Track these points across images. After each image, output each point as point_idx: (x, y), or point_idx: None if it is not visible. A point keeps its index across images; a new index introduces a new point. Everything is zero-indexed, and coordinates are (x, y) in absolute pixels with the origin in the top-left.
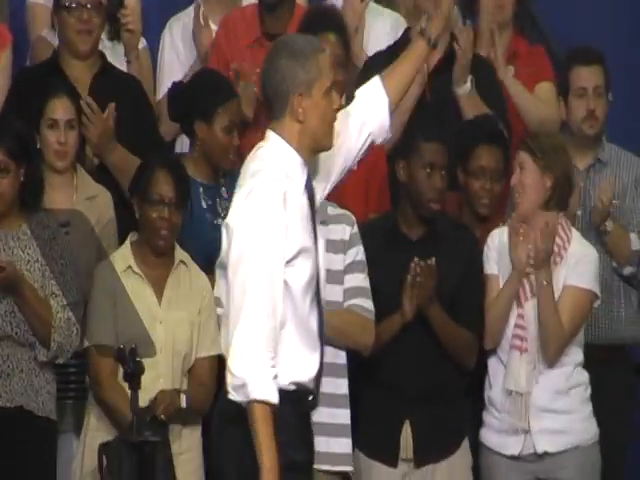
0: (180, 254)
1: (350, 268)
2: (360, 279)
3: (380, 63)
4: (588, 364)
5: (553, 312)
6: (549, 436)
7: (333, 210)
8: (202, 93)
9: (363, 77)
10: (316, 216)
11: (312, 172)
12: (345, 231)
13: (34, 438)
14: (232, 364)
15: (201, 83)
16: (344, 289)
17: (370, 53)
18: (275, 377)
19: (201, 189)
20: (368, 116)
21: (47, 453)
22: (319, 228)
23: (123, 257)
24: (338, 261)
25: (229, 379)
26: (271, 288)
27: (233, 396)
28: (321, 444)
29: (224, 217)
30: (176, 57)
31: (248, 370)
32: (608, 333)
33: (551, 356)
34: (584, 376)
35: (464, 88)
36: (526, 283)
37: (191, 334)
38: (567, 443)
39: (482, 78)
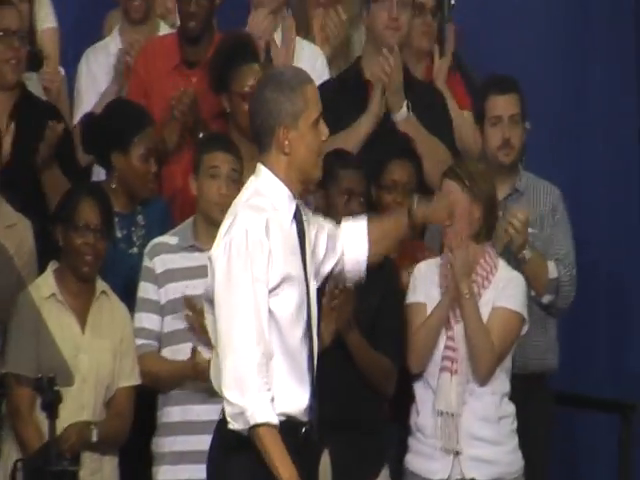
0: (101, 284)
1: None
2: None
3: (327, 95)
4: (510, 393)
5: (479, 326)
6: (478, 464)
7: None
8: (117, 124)
9: None
10: (308, 247)
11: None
12: None
13: None
14: (227, 393)
15: (115, 114)
16: None
17: None
18: (272, 399)
19: (117, 219)
20: (346, 256)
21: None
22: (310, 261)
23: (47, 284)
24: None
25: (227, 409)
26: (257, 315)
27: (233, 425)
28: None
29: (139, 246)
30: (92, 86)
31: (244, 397)
32: (527, 363)
33: (483, 373)
34: (511, 408)
35: (401, 114)
36: (456, 306)
37: (114, 364)
38: (493, 474)
39: (425, 102)
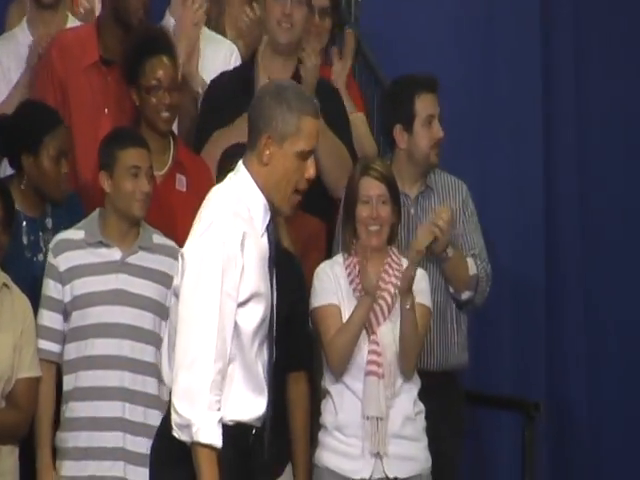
0: (2, 276)
1: None
2: None
3: (225, 85)
4: (421, 391)
5: (415, 331)
6: (399, 462)
7: (158, 239)
8: (26, 125)
9: (208, 102)
10: (272, 261)
11: None
12: (173, 266)
13: None
14: (177, 403)
15: (24, 115)
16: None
17: (207, 79)
18: (220, 420)
19: (24, 223)
20: None
21: None
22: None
23: None
24: (165, 297)
25: (174, 417)
26: (222, 328)
27: (177, 434)
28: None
29: (45, 252)
30: (2, 77)
31: (193, 412)
32: (441, 360)
33: (411, 370)
34: (422, 404)
35: None
36: (377, 309)
37: (13, 357)
38: (413, 470)
39: (328, 104)
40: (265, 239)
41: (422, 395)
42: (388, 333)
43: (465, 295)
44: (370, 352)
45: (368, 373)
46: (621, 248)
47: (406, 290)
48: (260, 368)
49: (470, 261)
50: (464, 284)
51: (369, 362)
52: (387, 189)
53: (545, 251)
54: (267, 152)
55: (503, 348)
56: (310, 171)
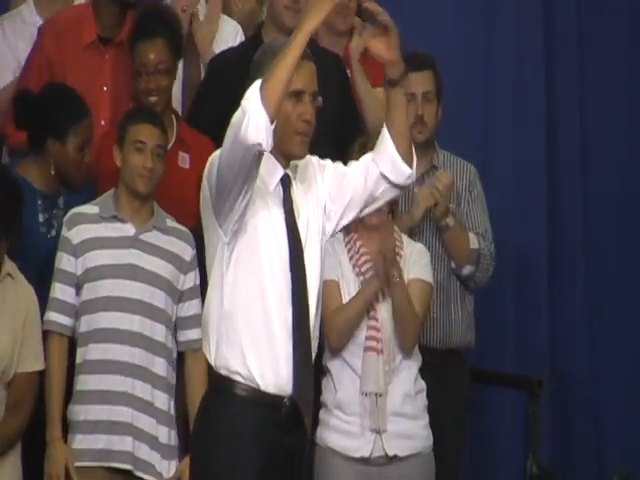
0: (7, 267)
1: (191, 294)
2: (199, 306)
3: (230, 59)
4: (424, 367)
5: (408, 304)
6: (399, 440)
7: (171, 223)
8: (55, 111)
9: (212, 73)
10: (291, 215)
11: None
12: (186, 252)
13: None
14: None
15: (53, 100)
16: (185, 316)
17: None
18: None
19: (40, 201)
20: (375, 157)
21: None
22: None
23: None
24: (177, 278)
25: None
26: None
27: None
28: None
29: (58, 228)
30: (10, 54)
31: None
32: (445, 337)
33: (410, 346)
34: (423, 383)
35: None
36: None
37: (13, 347)
38: (413, 448)
39: (331, 75)
40: (279, 192)
41: (426, 372)
42: (388, 309)
43: (466, 270)
44: (369, 328)
45: (367, 349)
46: (622, 229)
47: (390, 261)
48: (277, 329)
49: (472, 236)
50: (465, 257)
51: (368, 338)
52: None
53: (547, 232)
54: None
55: (507, 326)
56: (305, 112)
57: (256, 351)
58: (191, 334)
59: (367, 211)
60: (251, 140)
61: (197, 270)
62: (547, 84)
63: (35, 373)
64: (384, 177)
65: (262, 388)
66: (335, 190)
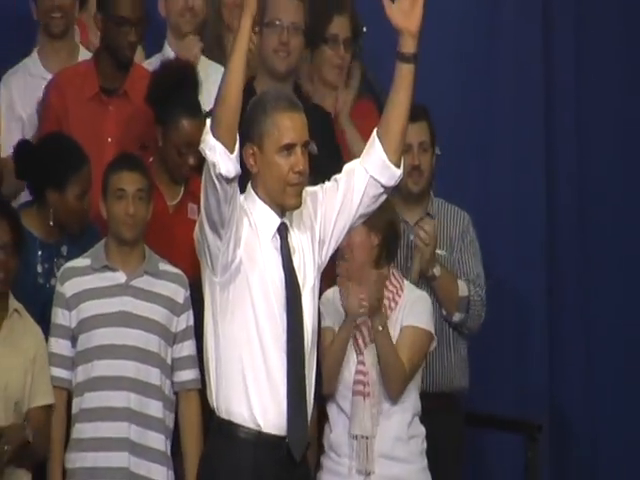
0: (14, 303)
1: (184, 335)
2: (192, 347)
3: None
4: (422, 412)
5: (392, 353)
6: None
7: (164, 266)
8: (54, 161)
9: None
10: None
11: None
12: (179, 294)
13: None
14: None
15: (52, 150)
16: (178, 357)
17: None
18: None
19: (40, 252)
20: (363, 161)
21: None
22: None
23: None
24: (171, 322)
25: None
26: None
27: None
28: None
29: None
30: (12, 115)
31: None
32: (440, 381)
33: (395, 394)
34: (422, 428)
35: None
36: (364, 330)
37: (24, 381)
38: None
39: (320, 129)
40: (276, 243)
41: (421, 415)
42: (374, 353)
43: (456, 317)
44: (357, 372)
45: (355, 392)
46: (620, 270)
47: (374, 310)
48: (276, 372)
49: (461, 283)
50: (454, 305)
51: (355, 382)
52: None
53: (546, 275)
54: (251, 162)
55: (505, 370)
56: (297, 164)
57: (257, 393)
58: (184, 375)
59: (360, 221)
60: (215, 172)
61: (190, 311)
62: (546, 123)
63: (48, 407)
64: (375, 180)
65: (263, 429)
66: (330, 211)
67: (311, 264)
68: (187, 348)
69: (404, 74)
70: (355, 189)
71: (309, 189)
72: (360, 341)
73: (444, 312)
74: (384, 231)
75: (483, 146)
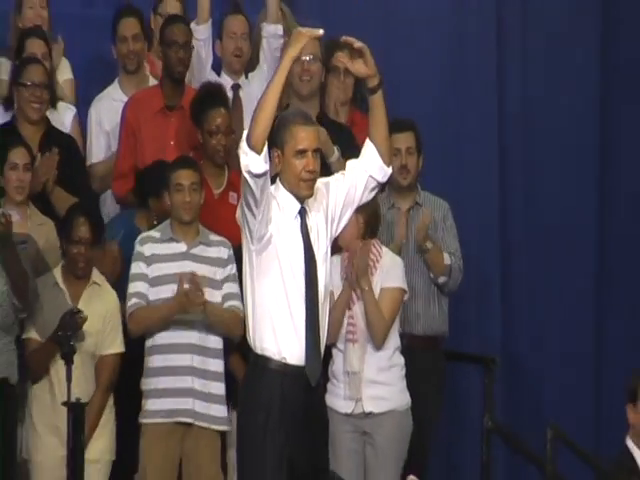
0: (95, 278)
1: (227, 279)
2: (234, 287)
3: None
4: (410, 350)
5: (376, 309)
6: (374, 401)
7: (214, 237)
8: (156, 180)
9: None
10: (307, 237)
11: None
12: (223, 252)
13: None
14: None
15: (154, 172)
16: (223, 294)
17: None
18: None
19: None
20: (362, 163)
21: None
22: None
23: (56, 275)
24: (218, 273)
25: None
26: None
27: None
28: (202, 408)
29: None
30: (100, 130)
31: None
32: (426, 327)
33: (379, 342)
34: (401, 359)
35: (334, 157)
36: (353, 292)
37: (97, 336)
38: (386, 406)
39: (344, 142)
40: (298, 222)
41: (409, 354)
42: (361, 309)
43: (441, 279)
44: (348, 324)
45: (346, 339)
46: (556, 245)
47: (361, 274)
48: (297, 318)
49: (445, 255)
50: (440, 271)
51: (347, 331)
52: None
53: (501, 250)
54: (276, 162)
55: (470, 319)
56: (307, 165)
57: (283, 333)
58: (231, 303)
59: (356, 205)
60: (249, 170)
61: (234, 263)
62: (499, 137)
63: (117, 355)
64: (372, 178)
65: (288, 361)
66: (339, 198)
67: (324, 237)
68: (232, 287)
69: (376, 101)
70: (357, 184)
71: (323, 180)
72: (350, 300)
73: (432, 275)
74: (368, 213)
75: (448, 146)
